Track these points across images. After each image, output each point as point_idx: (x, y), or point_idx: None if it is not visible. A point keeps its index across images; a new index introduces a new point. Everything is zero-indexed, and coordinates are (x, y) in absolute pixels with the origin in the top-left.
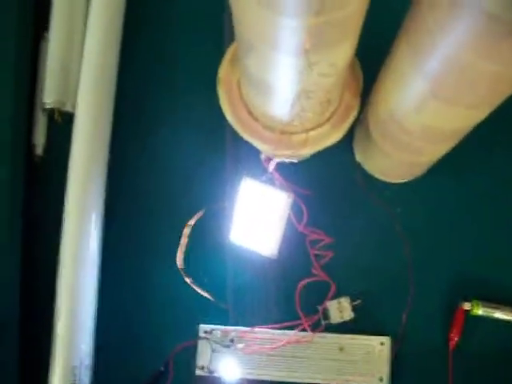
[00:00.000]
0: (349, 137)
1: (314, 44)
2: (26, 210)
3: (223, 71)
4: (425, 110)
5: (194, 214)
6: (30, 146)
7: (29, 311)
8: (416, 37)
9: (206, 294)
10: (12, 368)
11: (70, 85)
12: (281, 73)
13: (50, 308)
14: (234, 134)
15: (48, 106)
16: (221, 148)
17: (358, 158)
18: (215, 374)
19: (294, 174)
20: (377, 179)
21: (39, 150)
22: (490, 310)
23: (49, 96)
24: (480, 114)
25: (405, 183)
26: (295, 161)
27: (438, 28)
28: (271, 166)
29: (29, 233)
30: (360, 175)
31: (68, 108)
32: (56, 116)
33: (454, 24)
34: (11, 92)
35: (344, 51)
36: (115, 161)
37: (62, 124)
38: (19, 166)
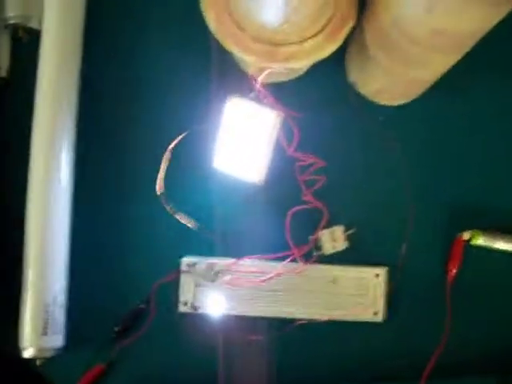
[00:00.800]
0: (340, 55)
1: None
2: None
3: None
4: (437, 7)
5: (176, 137)
6: None
7: None
8: None
9: (188, 222)
10: None
11: None
12: None
13: (21, 242)
14: (219, 49)
15: (11, 22)
16: (204, 66)
17: (351, 77)
18: (199, 311)
19: (283, 95)
20: (371, 101)
21: (3, 72)
22: (491, 238)
23: (12, 10)
24: (501, 11)
25: (400, 106)
26: (284, 79)
27: None
28: (260, 80)
29: None
30: (353, 96)
31: (34, 24)
32: (20, 33)
33: None
34: None
35: None
36: (88, 81)
37: (27, 42)
38: None
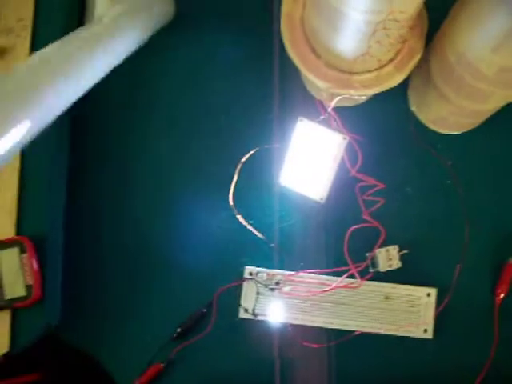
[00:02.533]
0: (404, 84)
1: None
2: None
3: (287, 4)
4: (503, 47)
5: (247, 153)
6: None
7: None
8: None
9: (256, 232)
10: None
11: None
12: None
13: None
14: (290, 77)
15: None
16: (276, 92)
17: (413, 106)
18: (259, 317)
19: (348, 119)
20: (430, 129)
21: None
22: None
23: None
24: None
25: (458, 135)
26: (350, 104)
27: None
28: (330, 105)
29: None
30: (413, 124)
31: None
32: None
33: None
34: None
35: None
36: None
37: None
38: None
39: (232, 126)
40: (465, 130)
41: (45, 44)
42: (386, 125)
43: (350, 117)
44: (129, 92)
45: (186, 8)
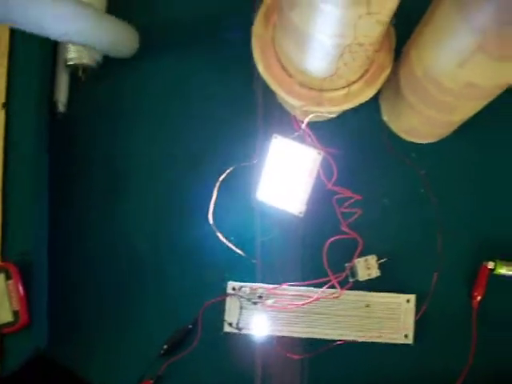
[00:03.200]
0: (375, 96)
1: None
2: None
3: (258, 26)
4: (468, 65)
5: (224, 171)
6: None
7: None
8: None
9: (237, 249)
10: None
11: None
12: (331, 25)
13: None
14: (264, 94)
15: (71, 63)
16: (252, 108)
17: (385, 117)
18: (243, 331)
19: (322, 134)
20: (403, 139)
21: (62, 107)
22: None
23: (72, 53)
24: None
25: (430, 144)
26: (324, 119)
27: None
28: (304, 123)
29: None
30: (386, 135)
31: (90, 62)
32: (79, 73)
33: None
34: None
35: None
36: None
37: (84, 81)
38: (43, 122)
39: (209, 145)
40: (437, 139)
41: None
42: (359, 136)
43: (324, 130)
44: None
45: (163, 33)
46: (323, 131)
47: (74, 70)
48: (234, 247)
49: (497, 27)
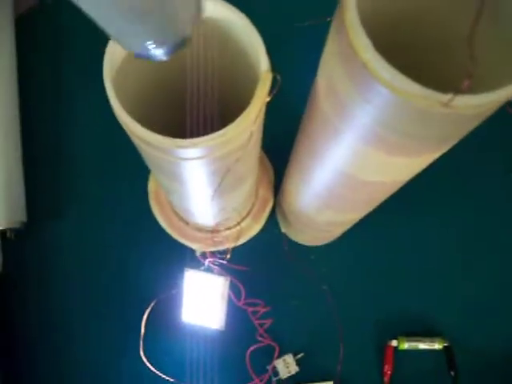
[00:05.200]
0: (273, 211)
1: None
2: None
3: (152, 184)
4: (323, 214)
5: (149, 305)
6: None
7: None
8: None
9: (167, 377)
10: None
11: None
12: (200, 205)
13: None
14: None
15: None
16: (164, 247)
17: (283, 229)
18: None
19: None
20: (302, 245)
21: None
22: (413, 343)
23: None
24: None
25: (327, 244)
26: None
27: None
28: (206, 261)
29: None
30: (286, 244)
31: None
32: (8, 234)
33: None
34: None
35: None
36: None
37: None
38: None
39: (130, 282)
40: (329, 242)
41: None
42: (263, 250)
43: (232, 251)
44: None
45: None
46: (231, 253)
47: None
48: (166, 377)
49: None
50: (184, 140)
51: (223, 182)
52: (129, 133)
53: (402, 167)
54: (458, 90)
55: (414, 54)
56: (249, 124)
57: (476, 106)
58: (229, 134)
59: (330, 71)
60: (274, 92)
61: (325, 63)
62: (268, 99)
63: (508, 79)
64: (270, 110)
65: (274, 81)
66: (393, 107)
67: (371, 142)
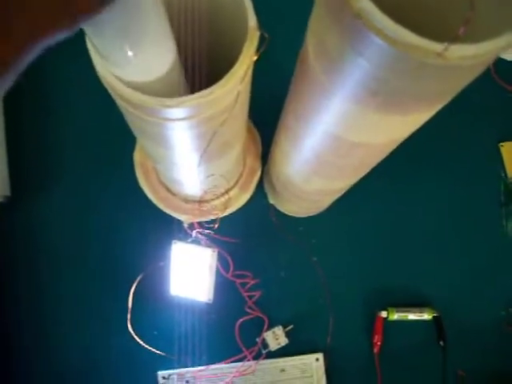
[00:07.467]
0: (261, 183)
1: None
2: None
3: (138, 155)
4: (311, 182)
5: (136, 278)
6: None
7: None
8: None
9: (157, 351)
10: None
11: None
12: (187, 173)
13: None
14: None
15: None
16: (151, 219)
17: (271, 200)
18: None
19: (219, 226)
20: (290, 217)
21: None
22: (403, 313)
23: None
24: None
25: (315, 216)
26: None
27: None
28: (193, 233)
29: None
30: (274, 216)
31: None
32: None
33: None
34: None
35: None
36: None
37: None
38: None
39: (118, 254)
40: (316, 213)
41: None
42: (251, 221)
43: (220, 223)
44: None
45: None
46: (219, 224)
47: None
48: (154, 350)
49: None
50: (170, 99)
51: (209, 148)
52: (114, 95)
53: (391, 127)
54: (453, 39)
55: (407, 15)
56: (236, 83)
57: (471, 56)
58: (215, 92)
59: (319, 27)
60: (262, 50)
61: (314, 18)
62: (255, 58)
63: (504, 28)
64: (258, 75)
65: (262, 39)
66: (386, 58)
67: (362, 100)
